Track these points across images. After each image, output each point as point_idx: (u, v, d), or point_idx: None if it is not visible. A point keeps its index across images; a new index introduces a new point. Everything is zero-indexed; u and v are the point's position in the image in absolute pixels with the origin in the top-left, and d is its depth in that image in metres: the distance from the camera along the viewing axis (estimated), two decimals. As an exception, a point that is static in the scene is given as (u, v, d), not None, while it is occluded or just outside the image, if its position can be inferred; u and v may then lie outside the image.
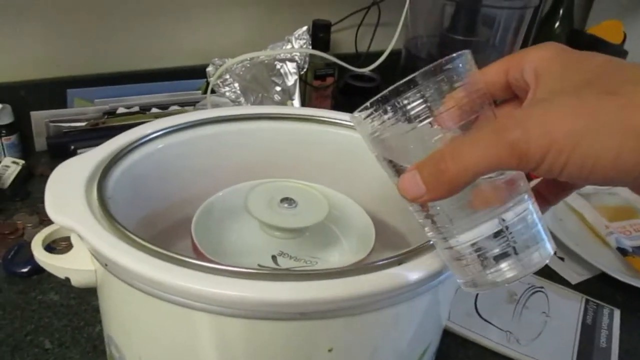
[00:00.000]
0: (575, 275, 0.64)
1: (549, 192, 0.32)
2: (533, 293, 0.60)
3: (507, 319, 0.56)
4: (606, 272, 0.62)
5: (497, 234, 0.27)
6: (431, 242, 0.32)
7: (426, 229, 0.30)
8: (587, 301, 0.59)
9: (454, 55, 0.27)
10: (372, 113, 0.28)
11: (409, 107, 0.27)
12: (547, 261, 0.28)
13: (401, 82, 0.26)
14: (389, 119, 0.27)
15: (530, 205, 0.28)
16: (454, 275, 0.30)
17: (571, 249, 0.65)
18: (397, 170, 0.29)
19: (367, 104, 0.28)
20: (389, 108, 0.27)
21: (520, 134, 0.23)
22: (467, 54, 0.27)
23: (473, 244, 0.28)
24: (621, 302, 0.60)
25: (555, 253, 0.67)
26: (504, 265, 0.28)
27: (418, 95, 0.26)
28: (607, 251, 0.68)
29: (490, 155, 0.24)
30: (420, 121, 0.27)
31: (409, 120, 0.27)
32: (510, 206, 0.27)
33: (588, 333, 0.55)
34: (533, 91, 0.27)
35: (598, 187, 0.81)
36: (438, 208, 0.28)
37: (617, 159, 0.22)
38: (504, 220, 0.27)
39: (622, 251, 0.67)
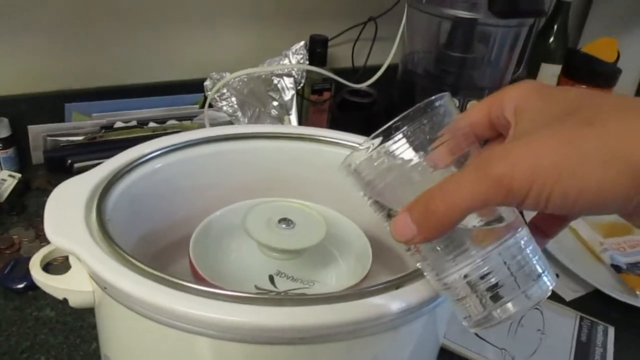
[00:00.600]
0: (570, 291, 0.64)
1: (546, 225, 0.32)
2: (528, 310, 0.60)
3: (503, 337, 0.56)
4: (600, 289, 0.62)
5: (491, 271, 0.27)
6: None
7: (421, 267, 0.30)
8: (581, 318, 0.60)
9: (434, 97, 0.28)
10: (362, 160, 0.28)
11: (395, 151, 0.27)
12: (548, 294, 0.28)
13: (386, 126, 0.27)
14: (377, 164, 0.28)
15: (523, 240, 0.28)
16: (457, 315, 0.30)
17: (566, 265, 0.66)
18: (389, 214, 0.29)
19: (356, 152, 0.28)
20: (374, 154, 0.28)
21: (504, 169, 0.24)
22: (446, 95, 0.28)
23: (468, 282, 0.28)
24: (615, 319, 0.61)
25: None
26: (502, 301, 0.28)
27: (403, 139, 0.27)
28: (601, 268, 0.69)
29: (477, 192, 0.24)
30: (408, 164, 0.27)
31: (397, 163, 0.27)
32: (503, 242, 0.27)
33: (583, 350, 0.55)
34: (514, 127, 0.28)
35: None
36: (430, 247, 0.29)
37: (600, 188, 0.23)
38: (499, 254, 0.27)
39: (617, 268, 0.67)
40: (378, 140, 0.28)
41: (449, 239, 0.28)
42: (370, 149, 0.28)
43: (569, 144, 0.23)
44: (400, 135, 0.27)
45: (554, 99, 0.27)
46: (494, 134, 0.31)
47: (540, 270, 0.28)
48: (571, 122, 0.24)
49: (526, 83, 0.29)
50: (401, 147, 0.27)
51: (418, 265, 0.30)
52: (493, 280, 0.27)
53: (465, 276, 0.28)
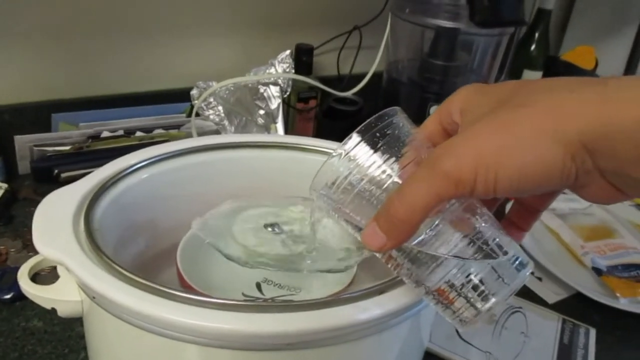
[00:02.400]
0: (552, 294, 0.66)
1: (520, 220, 0.34)
2: (512, 313, 0.61)
3: (487, 340, 0.57)
4: (582, 292, 0.64)
5: (466, 267, 0.28)
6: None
7: (402, 277, 0.31)
8: (564, 321, 0.61)
9: (383, 112, 0.29)
10: (327, 183, 0.30)
11: (355, 169, 0.29)
12: (525, 280, 0.29)
13: (342, 144, 0.29)
14: (340, 184, 0.29)
15: (489, 232, 0.29)
16: (447, 319, 0.31)
17: (548, 269, 0.67)
18: (360, 229, 0.30)
19: (319, 175, 0.30)
20: (336, 175, 0.29)
21: (450, 162, 0.25)
22: (397, 110, 0.30)
23: (447, 281, 0.29)
24: (597, 321, 0.62)
25: (533, 273, 0.68)
26: (486, 295, 0.29)
27: (361, 155, 0.29)
28: (583, 271, 0.70)
29: (430, 189, 0.26)
30: (369, 179, 0.29)
31: (359, 180, 0.29)
32: (471, 236, 0.28)
33: (565, 352, 0.57)
34: (460, 126, 0.30)
35: (574, 207, 0.84)
36: (404, 254, 0.30)
37: (538, 164, 0.24)
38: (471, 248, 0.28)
39: (597, 271, 0.68)
40: (337, 159, 0.29)
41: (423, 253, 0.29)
42: (332, 171, 0.29)
43: (503, 128, 0.25)
44: (358, 152, 0.29)
45: (491, 93, 0.28)
46: None
47: (513, 255, 0.29)
48: (505, 108, 0.26)
49: (467, 86, 0.31)
50: (360, 164, 0.29)
51: (403, 279, 0.31)
52: (476, 280, 0.28)
53: (439, 276, 0.29)
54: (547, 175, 0.25)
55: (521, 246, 0.31)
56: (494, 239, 0.29)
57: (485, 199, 0.28)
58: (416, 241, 0.28)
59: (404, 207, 0.26)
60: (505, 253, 0.29)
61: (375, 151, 0.29)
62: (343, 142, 0.29)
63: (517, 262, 0.29)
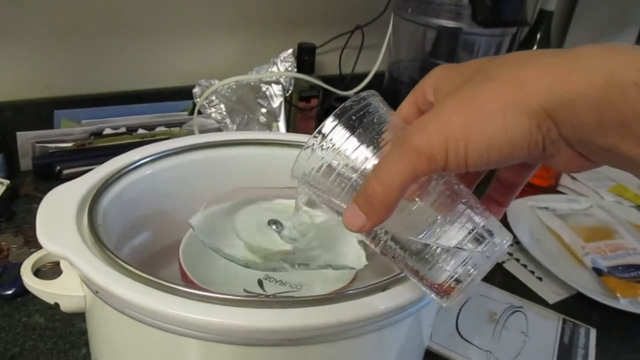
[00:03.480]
0: (553, 294, 0.66)
1: (499, 196, 0.34)
2: (512, 313, 0.61)
3: (487, 339, 0.57)
4: (582, 292, 0.64)
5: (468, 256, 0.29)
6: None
7: (389, 260, 0.31)
8: (564, 321, 0.61)
9: (362, 94, 0.30)
10: (307, 169, 0.30)
11: (334, 153, 0.29)
12: (505, 251, 0.30)
13: (318, 129, 0.29)
14: (320, 169, 0.30)
15: (467, 208, 0.29)
16: (431, 294, 0.31)
17: (549, 269, 0.67)
18: (339, 212, 0.31)
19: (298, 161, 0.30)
20: (315, 160, 0.30)
21: (421, 139, 0.26)
22: (374, 93, 0.31)
23: (452, 275, 0.29)
24: (597, 321, 0.62)
25: (533, 273, 0.69)
26: (467, 271, 0.29)
27: (338, 138, 0.29)
28: (583, 271, 0.70)
29: (405, 166, 0.26)
30: (348, 161, 0.29)
31: (338, 163, 0.29)
32: (457, 219, 0.29)
33: (565, 352, 0.57)
34: (433, 104, 0.30)
35: (575, 208, 0.84)
36: (387, 235, 0.30)
37: (506, 136, 0.25)
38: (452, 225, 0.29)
39: (598, 271, 0.69)
40: (315, 144, 0.30)
41: (399, 221, 0.29)
42: (310, 156, 0.30)
43: (470, 102, 0.26)
44: (334, 136, 0.29)
45: (461, 70, 0.29)
46: None
47: (491, 232, 0.30)
48: (471, 83, 0.27)
49: (439, 66, 0.31)
50: (337, 148, 0.29)
51: (380, 252, 0.32)
52: (470, 262, 0.29)
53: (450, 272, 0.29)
54: (515, 146, 0.25)
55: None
56: (482, 225, 0.29)
57: (459, 173, 0.28)
58: (405, 228, 0.29)
59: (381, 186, 0.27)
60: (492, 234, 0.29)
61: (352, 134, 0.29)
62: (320, 126, 0.30)
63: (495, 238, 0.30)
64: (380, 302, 0.31)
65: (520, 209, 0.80)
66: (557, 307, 0.64)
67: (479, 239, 0.29)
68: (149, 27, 0.85)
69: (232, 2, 0.90)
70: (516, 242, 0.74)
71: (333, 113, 0.29)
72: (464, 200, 0.29)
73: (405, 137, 0.27)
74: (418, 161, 0.26)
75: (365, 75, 0.90)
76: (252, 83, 0.79)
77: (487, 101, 0.25)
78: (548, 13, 1.09)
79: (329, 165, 0.30)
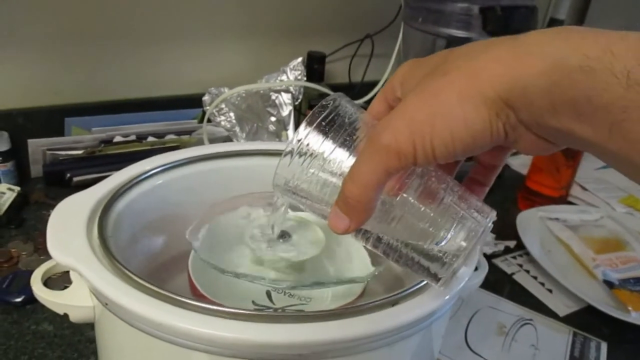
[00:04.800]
0: (563, 307, 0.65)
1: (481, 176, 0.35)
2: (522, 325, 0.61)
3: (497, 352, 0.57)
4: (593, 305, 0.63)
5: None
6: (425, 282, 0.33)
7: (381, 254, 0.32)
8: (575, 334, 0.60)
9: (328, 98, 0.31)
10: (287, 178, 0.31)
11: (309, 159, 0.30)
12: (490, 228, 0.31)
13: (295, 135, 0.30)
14: (299, 176, 0.31)
15: (449, 194, 0.30)
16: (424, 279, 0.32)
17: (559, 281, 0.66)
18: (325, 216, 0.32)
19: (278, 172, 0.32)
20: (294, 169, 0.31)
21: (389, 137, 0.27)
22: (340, 95, 0.31)
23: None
24: (608, 334, 0.61)
25: (543, 285, 0.68)
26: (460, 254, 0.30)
27: (312, 144, 0.30)
28: (594, 283, 0.70)
29: (376, 165, 0.27)
30: (324, 166, 0.30)
31: (316, 169, 0.30)
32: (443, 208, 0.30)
33: (576, 366, 0.56)
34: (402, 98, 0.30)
35: (585, 219, 0.83)
36: (374, 233, 0.31)
37: (467, 126, 0.26)
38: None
39: (609, 284, 0.68)
40: (291, 154, 0.31)
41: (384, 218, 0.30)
42: (289, 165, 0.31)
43: (431, 97, 0.26)
44: (309, 142, 0.30)
45: (424, 64, 0.30)
46: None
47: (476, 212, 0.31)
48: (431, 77, 0.27)
49: (405, 63, 0.32)
50: (313, 154, 0.30)
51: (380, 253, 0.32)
52: (458, 243, 0.30)
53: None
54: (477, 136, 0.26)
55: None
56: (465, 207, 0.30)
57: (430, 165, 0.29)
58: (391, 222, 0.30)
59: (357, 187, 0.28)
60: (474, 214, 0.30)
61: (326, 139, 0.30)
62: (294, 134, 0.31)
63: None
64: (391, 318, 0.31)
65: (531, 219, 0.80)
66: (568, 319, 0.63)
67: (463, 222, 0.30)
68: (160, 35, 0.86)
69: (242, 10, 0.91)
70: (526, 253, 0.73)
71: (304, 120, 0.30)
72: (443, 186, 0.30)
73: (374, 136, 0.27)
74: (388, 159, 0.27)
75: (375, 83, 0.90)
76: (262, 92, 0.79)
77: (446, 95, 0.26)
78: (559, 22, 1.09)
79: (307, 173, 0.31)
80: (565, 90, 0.23)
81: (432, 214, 0.30)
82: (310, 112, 0.30)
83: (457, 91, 0.26)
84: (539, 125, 0.26)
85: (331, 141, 0.30)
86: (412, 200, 0.30)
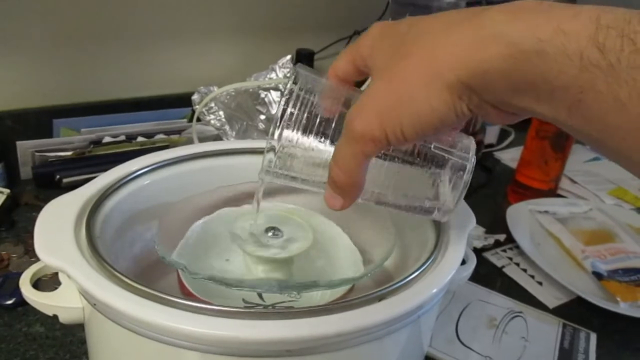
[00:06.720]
0: (553, 299, 0.66)
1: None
2: (512, 318, 0.61)
3: (487, 344, 0.57)
4: (582, 296, 0.64)
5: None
6: (412, 277, 0.34)
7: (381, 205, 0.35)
8: (564, 325, 0.61)
9: (291, 79, 0.32)
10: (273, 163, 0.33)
11: (292, 143, 0.32)
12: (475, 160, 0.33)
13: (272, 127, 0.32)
14: (284, 160, 0.33)
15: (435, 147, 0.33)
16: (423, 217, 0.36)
17: (548, 273, 0.67)
18: (317, 185, 0.34)
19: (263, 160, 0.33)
20: (278, 154, 0.33)
21: (361, 124, 0.28)
22: (300, 66, 0.33)
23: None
24: (597, 325, 0.62)
25: (533, 277, 0.69)
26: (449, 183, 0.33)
27: (290, 126, 0.32)
28: (583, 275, 0.70)
29: (354, 150, 0.29)
30: (308, 146, 0.32)
31: (299, 149, 0.32)
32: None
33: (566, 357, 0.57)
34: (370, 72, 0.31)
35: (574, 212, 0.84)
36: (374, 194, 0.34)
37: (432, 109, 0.27)
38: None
39: (598, 275, 0.68)
40: (274, 140, 0.32)
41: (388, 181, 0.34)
42: (276, 155, 0.33)
43: (395, 82, 0.27)
44: (288, 130, 0.32)
45: (393, 32, 0.30)
46: (367, 75, 0.34)
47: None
48: (394, 59, 0.28)
49: (375, 25, 0.32)
50: (291, 130, 0.32)
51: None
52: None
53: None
54: (443, 118, 0.27)
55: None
56: (458, 148, 0.33)
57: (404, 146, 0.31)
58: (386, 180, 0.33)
59: (342, 171, 0.30)
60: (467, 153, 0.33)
61: (302, 123, 0.32)
62: (274, 121, 0.32)
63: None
64: (379, 312, 0.31)
65: (520, 212, 0.80)
66: (557, 311, 0.64)
67: (448, 162, 0.32)
68: (148, 35, 0.85)
69: (230, 9, 0.90)
70: (516, 246, 0.74)
71: (277, 112, 0.32)
72: (430, 145, 0.32)
73: (349, 123, 0.29)
74: (364, 145, 0.28)
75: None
76: (251, 90, 0.79)
77: (410, 80, 0.27)
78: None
79: (289, 152, 0.32)
80: (524, 74, 0.24)
81: (420, 166, 0.32)
82: (281, 102, 0.32)
83: (418, 76, 0.26)
84: (502, 103, 0.26)
85: (306, 123, 0.32)
86: (398, 163, 0.32)
